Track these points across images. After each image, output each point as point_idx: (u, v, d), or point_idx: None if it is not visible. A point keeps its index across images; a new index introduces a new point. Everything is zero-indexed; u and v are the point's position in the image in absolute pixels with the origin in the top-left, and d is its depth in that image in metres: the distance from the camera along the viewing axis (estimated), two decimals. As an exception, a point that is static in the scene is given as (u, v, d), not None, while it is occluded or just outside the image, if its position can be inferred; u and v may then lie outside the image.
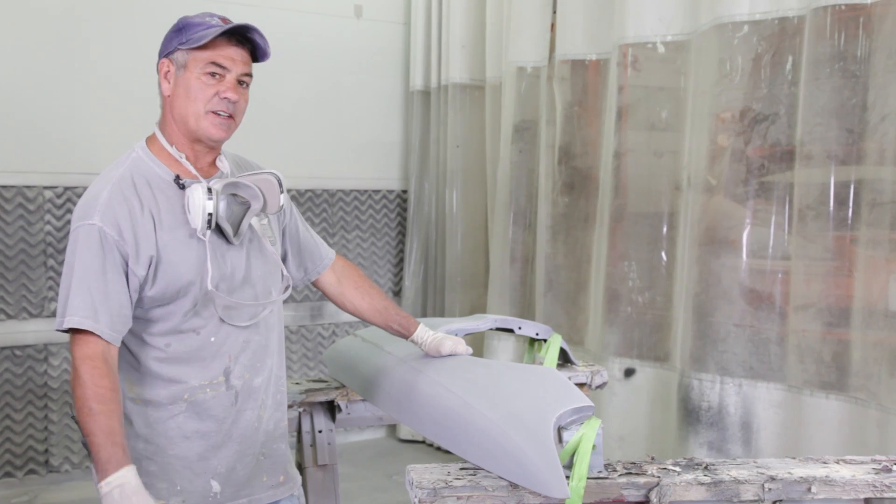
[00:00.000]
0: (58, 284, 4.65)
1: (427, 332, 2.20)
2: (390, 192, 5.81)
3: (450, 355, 2.15)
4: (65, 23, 4.65)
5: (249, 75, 1.90)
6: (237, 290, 1.91)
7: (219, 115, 1.85)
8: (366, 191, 5.69)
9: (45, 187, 4.65)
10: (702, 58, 3.62)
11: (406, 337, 2.21)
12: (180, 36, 1.84)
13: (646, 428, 3.88)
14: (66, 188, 4.69)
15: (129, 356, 1.85)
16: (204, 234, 1.82)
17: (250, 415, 1.94)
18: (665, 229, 3.86)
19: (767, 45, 3.36)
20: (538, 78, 4.67)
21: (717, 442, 3.46)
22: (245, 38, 1.88)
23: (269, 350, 1.98)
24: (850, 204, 3.09)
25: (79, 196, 4.63)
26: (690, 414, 3.53)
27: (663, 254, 3.86)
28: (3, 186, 4.56)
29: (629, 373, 3.93)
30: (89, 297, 1.74)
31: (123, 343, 1.83)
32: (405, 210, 5.83)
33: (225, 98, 1.84)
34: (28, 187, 4.61)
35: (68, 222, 4.66)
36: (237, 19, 1.91)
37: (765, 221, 3.38)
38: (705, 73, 3.59)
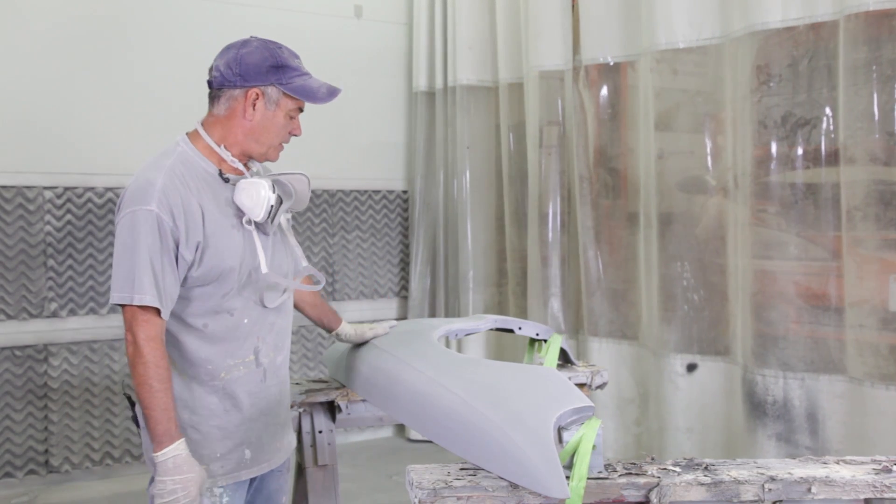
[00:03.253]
0: (57, 285, 4.68)
1: (349, 326, 2.52)
2: (391, 192, 5.80)
3: (373, 338, 2.46)
4: (66, 23, 4.65)
5: None
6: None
7: (282, 145, 2.16)
8: (366, 191, 5.69)
9: (45, 187, 4.65)
10: (737, 63, 3.69)
11: (331, 331, 2.52)
12: (278, 74, 2.05)
13: (712, 419, 3.98)
14: (66, 188, 4.68)
15: (171, 336, 2.03)
16: (250, 223, 2.05)
17: (274, 390, 2.20)
18: (714, 229, 3.94)
19: (803, 50, 3.45)
20: (562, 81, 4.68)
21: (785, 433, 3.57)
22: None
23: (287, 331, 2.26)
24: None
25: (79, 196, 4.65)
26: (757, 408, 3.64)
27: (715, 254, 3.94)
28: (3, 186, 4.56)
29: (691, 367, 4.03)
30: (153, 278, 1.92)
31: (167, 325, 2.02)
32: (406, 210, 5.83)
33: (293, 135, 2.16)
34: (28, 187, 4.61)
35: (68, 222, 4.69)
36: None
37: (814, 222, 3.49)
38: (741, 78, 3.65)
